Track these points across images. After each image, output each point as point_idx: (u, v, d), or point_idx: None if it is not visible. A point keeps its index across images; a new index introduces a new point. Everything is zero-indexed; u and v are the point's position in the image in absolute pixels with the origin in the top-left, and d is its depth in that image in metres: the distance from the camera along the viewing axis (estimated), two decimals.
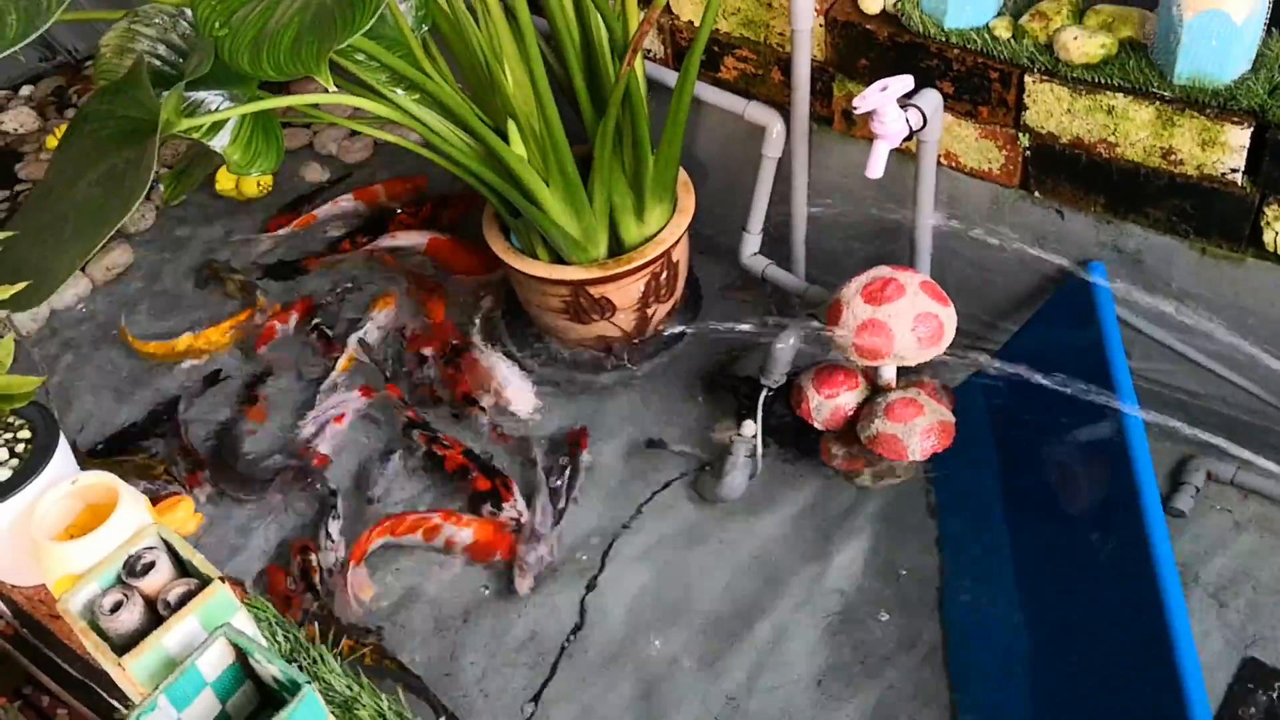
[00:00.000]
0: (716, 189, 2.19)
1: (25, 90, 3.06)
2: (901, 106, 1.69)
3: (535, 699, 1.73)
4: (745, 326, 2.05)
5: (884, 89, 1.64)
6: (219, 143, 1.59)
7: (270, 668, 1.05)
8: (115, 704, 1.25)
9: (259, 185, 2.64)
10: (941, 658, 1.72)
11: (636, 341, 2.15)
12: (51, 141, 2.82)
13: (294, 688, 1.03)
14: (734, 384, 2.07)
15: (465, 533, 1.92)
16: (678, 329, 2.16)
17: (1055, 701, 1.61)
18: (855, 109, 1.65)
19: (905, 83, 1.66)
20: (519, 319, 2.24)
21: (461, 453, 2.03)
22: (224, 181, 2.62)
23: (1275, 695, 1.61)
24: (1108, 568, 1.58)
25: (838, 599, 1.80)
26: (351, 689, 1.16)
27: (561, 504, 1.96)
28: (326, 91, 1.37)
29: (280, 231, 2.55)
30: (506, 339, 2.23)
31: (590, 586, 1.86)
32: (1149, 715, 1.41)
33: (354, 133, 2.84)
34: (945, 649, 1.73)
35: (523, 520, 1.93)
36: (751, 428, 1.96)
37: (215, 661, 1.08)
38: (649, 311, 2.10)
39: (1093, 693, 1.55)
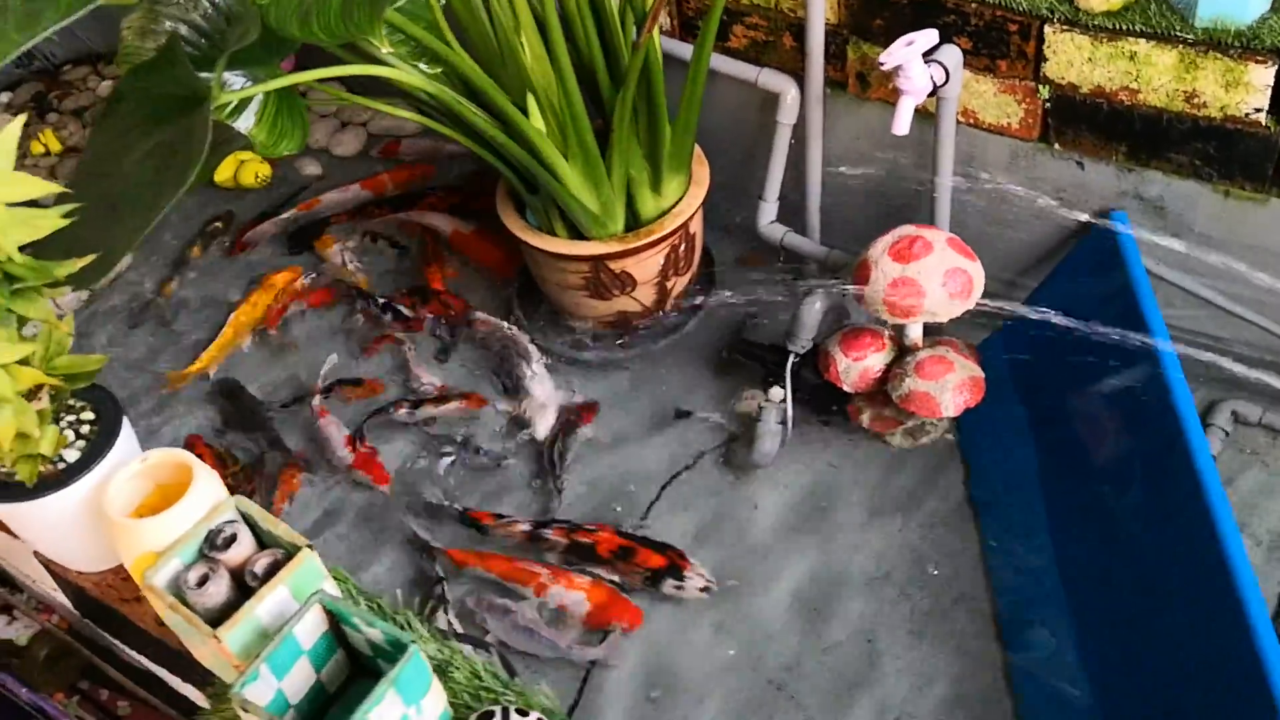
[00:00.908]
0: (727, 161, 2.19)
1: (4, 97, 3.01)
2: (924, 62, 1.69)
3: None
4: (769, 293, 2.04)
5: (910, 44, 1.65)
6: (244, 124, 1.57)
7: (371, 631, 1.04)
8: (190, 688, 1.23)
9: (257, 177, 2.61)
10: (990, 612, 1.73)
11: (657, 315, 2.14)
12: (37, 146, 2.77)
13: (399, 647, 1.02)
14: (757, 352, 2.07)
15: (577, 597, 1.78)
16: (698, 300, 2.16)
17: (1110, 650, 1.62)
18: (881, 64, 1.65)
19: (930, 37, 1.67)
20: (534, 299, 2.23)
21: (613, 533, 1.85)
22: (223, 172, 2.58)
23: None
24: (1154, 506, 1.60)
25: (879, 559, 1.81)
26: (443, 652, 1.15)
27: (557, 477, 1.96)
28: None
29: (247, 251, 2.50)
30: (523, 319, 2.21)
31: None
32: (1212, 653, 1.42)
33: (344, 125, 2.82)
34: (992, 603, 1.74)
35: (713, 589, 1.78)
36: (780, 393, 1.96)
37: (310, 629, 1.07)
38: (668, 285, 2.10)
39: (1150, 636, 1.56)
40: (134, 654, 1.34)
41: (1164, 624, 1.54)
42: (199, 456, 1.20)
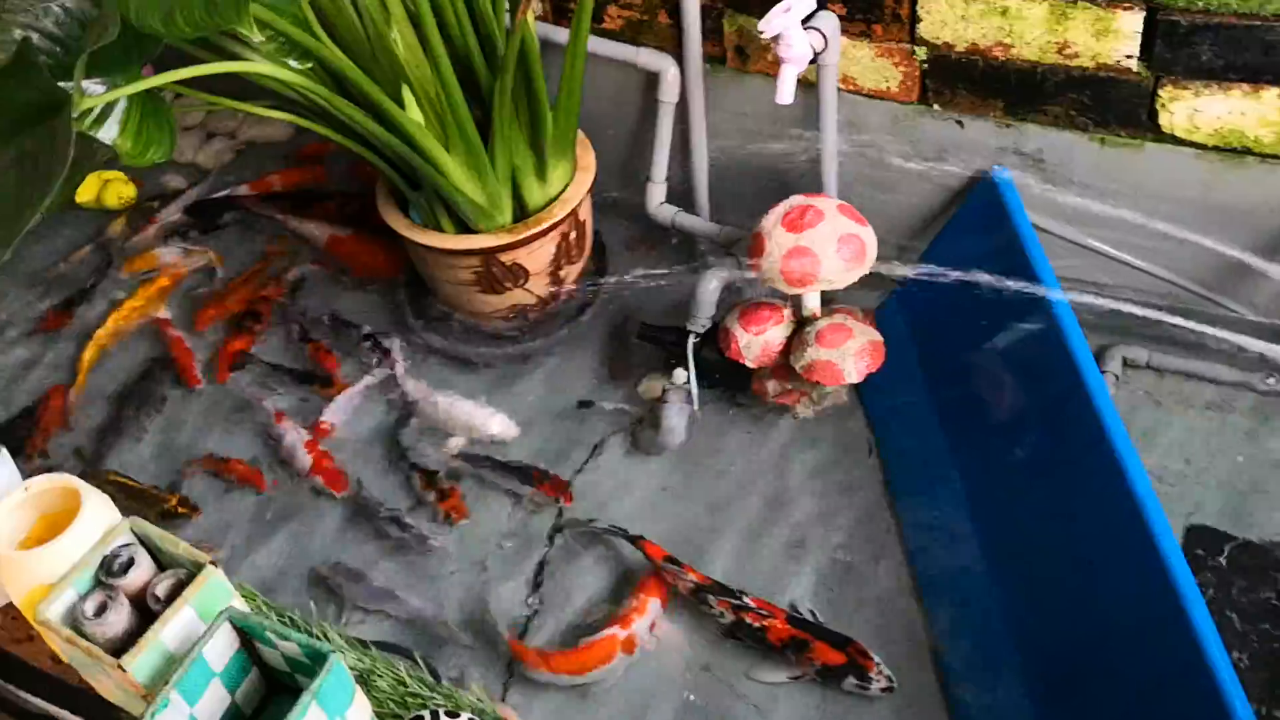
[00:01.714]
0: (613, 145, 2.17)
1: None
2: (803, 29, 1.69)
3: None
4: (665, 275, 2.03)
5: (787, 10, 1.65)
6: (108, 133, 1.50)
7: (286, 644, 0.99)
8: None
9: (120, 199, 2.51)
10: (907, 570, 1.74)
11: (552, 306, 2.11)
12: None
13: (318, 659, 0.97)
14: (657, 335, 2.06)
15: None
16: (593, 287, 2.13)
17: (1027, 594, 1.64)
18: (761, 33, 1.65)
19: (807, 3, 1.67)
20: (425, 300, 2.18)
21: (786, 619, 1.66)
22: (86, 193, 2.47)
23: (1224, 555, 1.67)
24: (1060, 449, 1.62)
25: (794, 529, 1.81)
26: (363, 660, 1.10)
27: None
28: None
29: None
30: (413, 321, 2.16)
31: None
32: (1126, 585, 1.45)
33: (210, 136, 2.72)
34: (909, 561, 1.75)
35: (895, 688, 1.60)
36: (683, 375, 1.95)
37: (221, 649, 1.01)
38: (562, 274, 2.07)
39: (1065, 577, 1.59)
40: (30, 697, 1.26)
41: (1078, 564, 1.56)
42: None
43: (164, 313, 2.29)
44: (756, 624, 1.66)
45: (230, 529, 1.91)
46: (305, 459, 1.96)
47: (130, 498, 1.91)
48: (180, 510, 1.92)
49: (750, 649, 1.66)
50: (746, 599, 1.68)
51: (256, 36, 1.21)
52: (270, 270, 2.35)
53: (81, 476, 1.09)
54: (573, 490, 1.89)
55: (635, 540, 1.78)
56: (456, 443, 1.98)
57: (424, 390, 2.05)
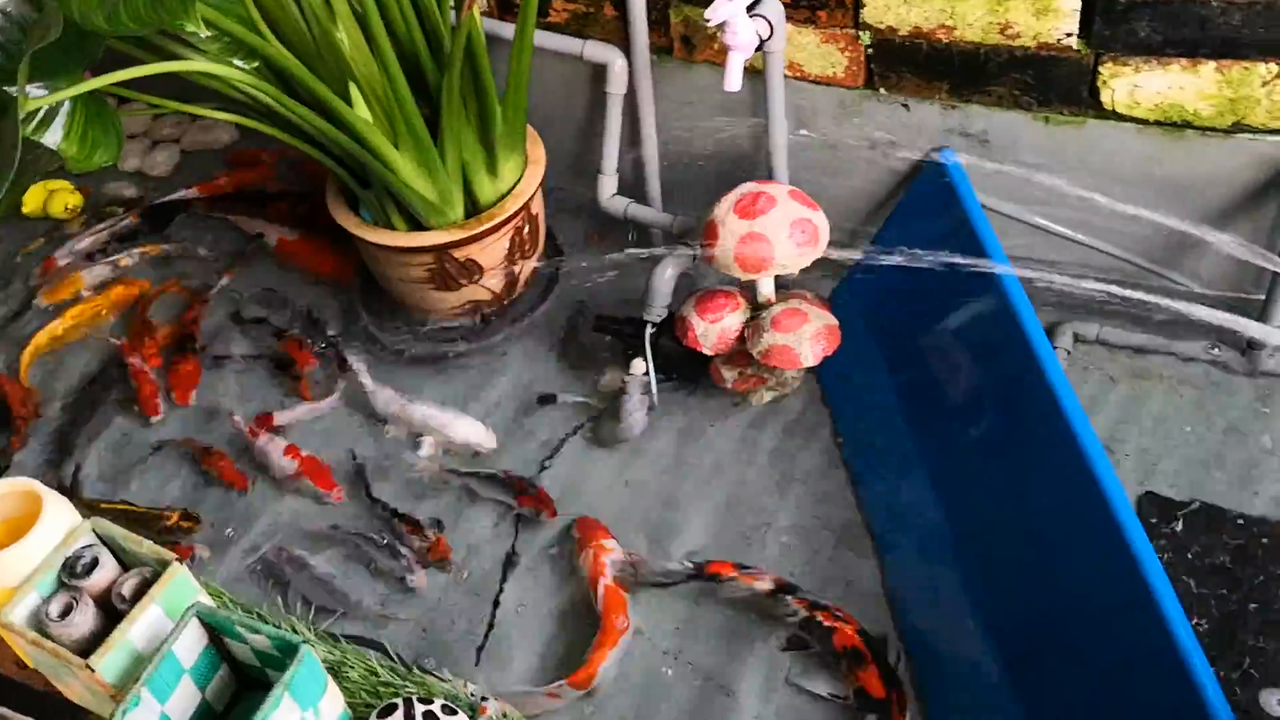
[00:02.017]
0: (563, 138, 2.17)
1: None
2: (749, 16, 1.70)
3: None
4: (619, 267, 2.02)
5: None
6: (52, 138, 1.48)
7: (256, 638, 0.99)
8: None
9: (67, 208, 2.47)
10: (871, 551, 1.75)
11: (507, 302, 2.11)
12: None
13: (288, 651, 0.97)
14: (614, 327, 2.06)
15: None
16: (548, 282, 2.13)
17: (988, 570, 1.66)
18: (707, 21, 1.65)
19: None
20: (378, 300, 2.17)
21: (856, 631, 1.62)
22: (32, 201, 2.43)
23: (1178, 522, 1.70)
24: (1016, 425, 1.64)
25: (757, 515, 1.82)
26: (334, 653, 1.10)
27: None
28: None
29: None
30: (367, 320, 2.15)
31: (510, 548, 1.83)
32: (1087, 561, 1.47)
33: (155, 144, 2.70)
34: (873, 543, 1.76)
35: None
36: (641, 365, 1.95)
37: (190, 645, 1.01)
38: (516, 269, 2.07)
39: (1025, 553, 1.61)
40: None
41: (1038, 536, 1.58)
42: None
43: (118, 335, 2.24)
44: (829, 624, 1.63)
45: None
46: (288, 463, 1.94)
47: (132, 522, 1.87)
48: (183, 525, 1.89)
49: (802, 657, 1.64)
50: (826, 602, 1.65)
51: (204, 32, 1.19)
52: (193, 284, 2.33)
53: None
54: (546, 494, 1.87)
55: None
56: (428, 449, 1.96)
57: (395, 400, 2.01)
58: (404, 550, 1.80)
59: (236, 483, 1.96)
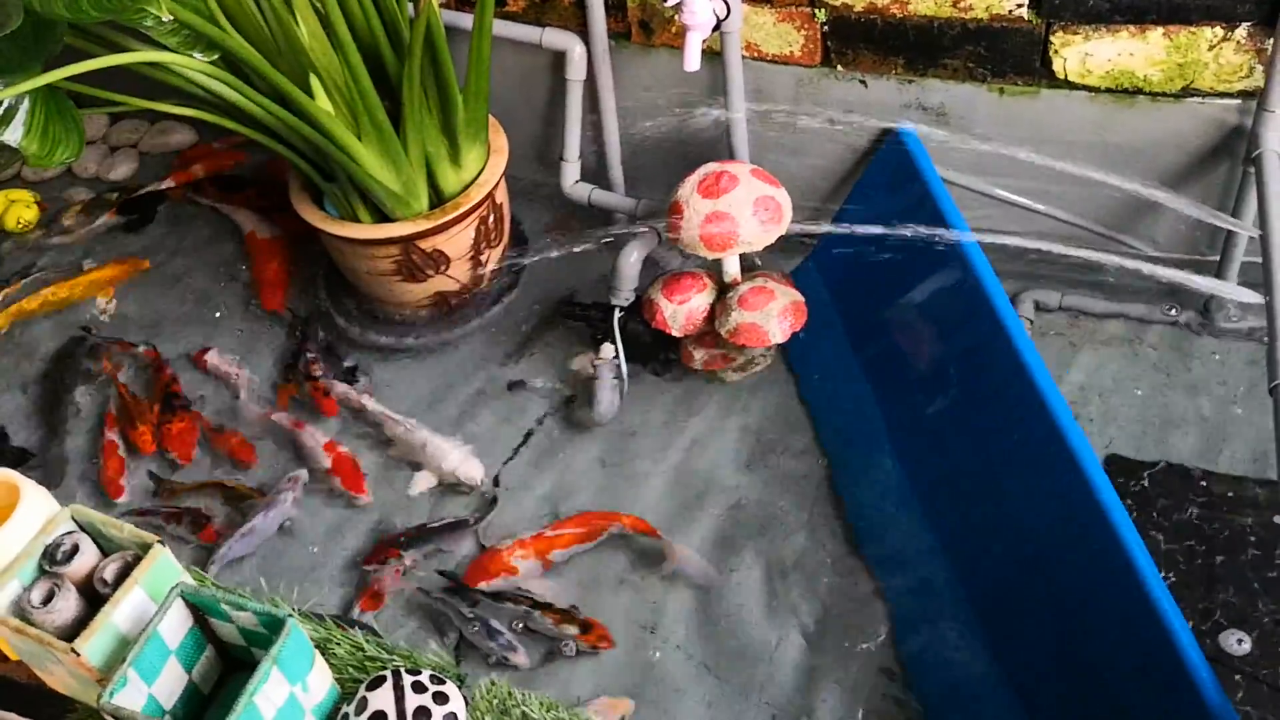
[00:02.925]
0: (525, 127, 2.18)
1: None
2: None
3: None
4: (585, 252, 2.03)
5: None
6: (13, 135, 1.47)
7: (242, 615, 0.99)
8: None
9: (19, 223, 2.45)
10: (845, 527, 1.77)
11: (474, 292, 2.11)
12: None
13: (275, 626, 0.97)
14: (582, 312, 2.07)
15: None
16: (514, 270, 2.14)
17: (962, 536, 1.68)
18: (665, 1, 1.67)
19: None
20: (345, 294, 2.17)
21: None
22: None
23: (1144, 481, 1.73)
24: (985, 391, 1.67)
25: (731, 493, 1.83)
26: (319, 631, 1.10)
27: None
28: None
29: None
30: (334, 314, 2.15)
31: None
32: (1058, 520, 1.50)
33: (114, 149, 2.68)
34: (846, 520, 1.78)
35: None
36: (611, 349, 1.96)
37: (175, 626, 1.01)
38: (482, 258, 2.07)
39: (997, 516, 1.63)
40: None
41: (1009, 499, 1.61)
42: None
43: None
44: None
45: None
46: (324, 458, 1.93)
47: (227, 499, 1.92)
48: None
49: None
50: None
51: (166, 15, 1.19)
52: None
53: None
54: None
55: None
56: (425, 483, 1.92)
57: (403, 421, 1.97)
58: (499, 628, 1.69)
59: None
